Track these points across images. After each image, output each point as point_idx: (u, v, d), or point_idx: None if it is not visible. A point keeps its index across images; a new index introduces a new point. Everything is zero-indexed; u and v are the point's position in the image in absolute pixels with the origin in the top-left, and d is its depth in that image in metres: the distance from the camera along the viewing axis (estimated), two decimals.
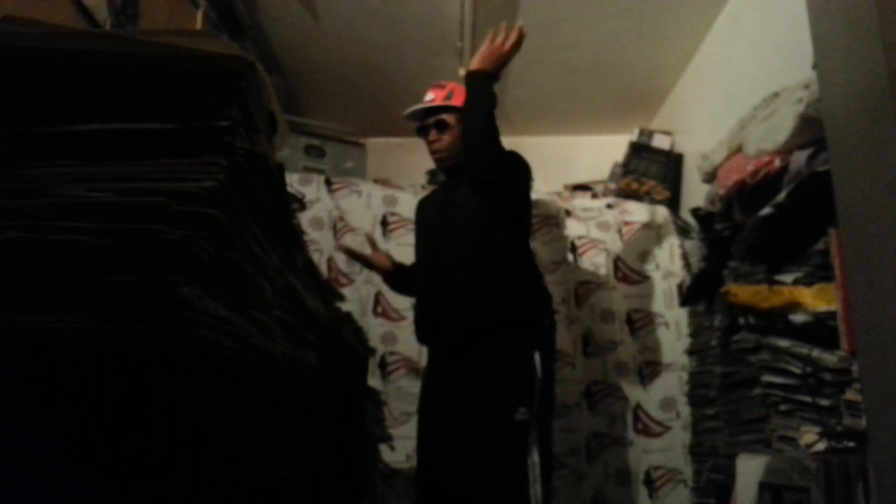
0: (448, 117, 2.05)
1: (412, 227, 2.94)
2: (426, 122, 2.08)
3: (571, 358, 2.78)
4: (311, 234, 2.82)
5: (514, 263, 1.96)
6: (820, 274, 1.65)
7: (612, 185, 3.47)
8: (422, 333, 2.08)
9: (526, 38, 1.98)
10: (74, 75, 0.76)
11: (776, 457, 1.53)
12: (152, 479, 0.67)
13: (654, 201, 3.22)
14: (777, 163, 1.82)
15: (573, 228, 2.93)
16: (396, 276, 2.24)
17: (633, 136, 3.53)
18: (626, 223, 3.00)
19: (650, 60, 3.39)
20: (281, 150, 1.23)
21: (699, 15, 2.99)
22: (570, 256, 2.93)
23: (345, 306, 2.17)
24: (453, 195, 2.06)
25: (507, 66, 2.01)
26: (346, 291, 2.70)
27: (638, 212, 3.05)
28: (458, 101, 2.04)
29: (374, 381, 2.63)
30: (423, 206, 2.24)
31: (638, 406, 2.74)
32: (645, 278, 2.91)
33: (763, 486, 1.51)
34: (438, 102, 2.07)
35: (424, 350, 2.30)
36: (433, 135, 2.07)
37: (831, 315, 1.55)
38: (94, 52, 0.77)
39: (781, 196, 1.72)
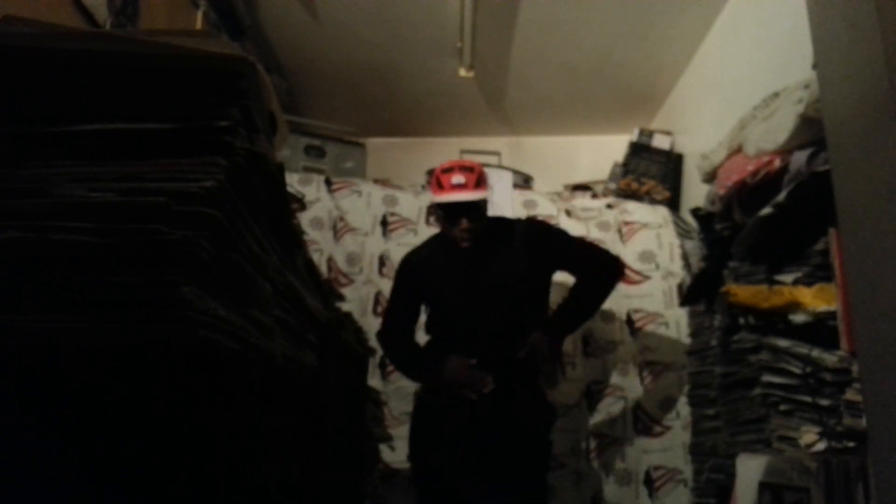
0: (483, 205, 2.12)
1: (412, 226, 2.95)
2: (462, 211, 2.09)
3: (571, 358, 2.78)
4: (311, 234, 2.82)
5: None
6: (820, 274, 1.65)
7: (612, 185, 3.47)
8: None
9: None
10: (74, 75, 0.76)
11: (776, 457, 1.53)
12: (153, 479, 0.67)
13: (654, 201, 3.22)
14: (777, 163, 1.82)
15: (573, 228, 2.92)
16: None
17: (633, 136, 3.53)
18: (626, 223, 3.00)
19: (650, 60, 3.39)
20: (281, 150, 1.23)
21: (699, 15, 2.99)
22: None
23: (345, 306, 2.17)
24: (482, 264, 2.15)
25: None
26: (346, 291, 2.70)
27: (638, 212, 3.05)
28: (483, 182, 2.13)
29: (374, 381, 2.63)
30: (427, 269, 2.22)
31: (638, 406, 2.74)
32: (645, 278, 2.91)
33: (763, 486, 1.51)
34: (471, 192, 2.08)
35: None
36: (466, 224, 2.09)
37: (831, 315, 1.55)
38: (94, 52, 0.77)
39: (781, 196, 1.72)
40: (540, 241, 2.20)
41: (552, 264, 2.22)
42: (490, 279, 2.13)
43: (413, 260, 2.28)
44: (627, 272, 2.91)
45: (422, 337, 2.32)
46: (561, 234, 2.31)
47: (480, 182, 2.12)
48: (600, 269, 2.21)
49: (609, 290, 2.23)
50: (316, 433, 1.31)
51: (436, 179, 2.14)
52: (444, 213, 2.13)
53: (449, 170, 2.13)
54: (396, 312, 2.29)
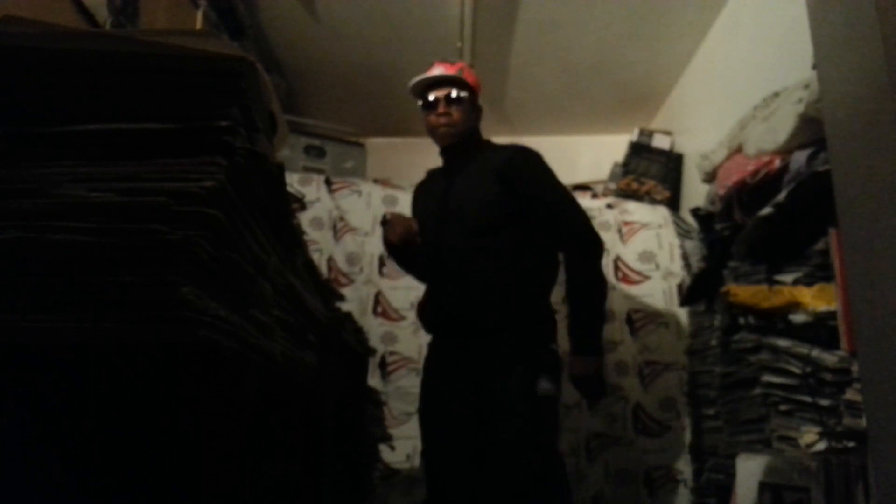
0: (460, 92, 2.01)
1: None
2: (436, 95, 2.00)
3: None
4: (311, 234, 2.83)
5: (525, 258, 1.89)
6: (820, 274, 1.65)
7: (612, 185, 3.47)
8: (431, 327, 2.04)
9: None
10: (74, 75, 0.76)
11: (776, 457, 1.53)
12: (152, 480, 0.67)
13: (654, 201, 3.22)
14: (777, 163, 1.82)
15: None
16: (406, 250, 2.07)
17: (633, 136, 3.53)
18: (626, 223, 3.00)
19: (650, 60, 3.39)
20: (281, 150, 1.23)
21: (699, 15, 2.99)
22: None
23: (345, 306, 2.17)
24: (455, 181, 2.00)
25: None
26: (346, 291, 2.70)
27: (638, 212, 3.05)
28: (469, 78, 2.04)
29: (374, 381, 2.63)
30: (420, 194, 2.19)
31: (638, 406, 2.74)
32: (645, 278, 2.91)
33: (763, 486, 1.51)
34: (451, 72, 2.01)
35: (424, 350, 2.30)
36: (443, 107, 1.98)
37: (831, 315, 1.55)
38: (94, 52, 0.77)
39: (781, 196, 1.72)
40: (514, 170, 1.91)
41: (519, 204, 1.88)
42: (453, 200, 1.96)
43: (418, 184, 2.24)
44: (627, 272, 2.92)
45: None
46: (541, 175, 1.96)
47: (462, 72, 2.03)
48: (574, 245, 1.91)
49: (592, 270, 1.91)
50: (316, 433, 1.31)
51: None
52: (421, 99, 2.03)
53: (429, 66, 2.08)
54: None
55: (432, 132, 2.05)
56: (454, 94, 2.00)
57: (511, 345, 1.82)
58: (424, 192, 2.16)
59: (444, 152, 2.09)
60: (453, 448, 1.85)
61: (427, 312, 2.04)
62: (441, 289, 1.97)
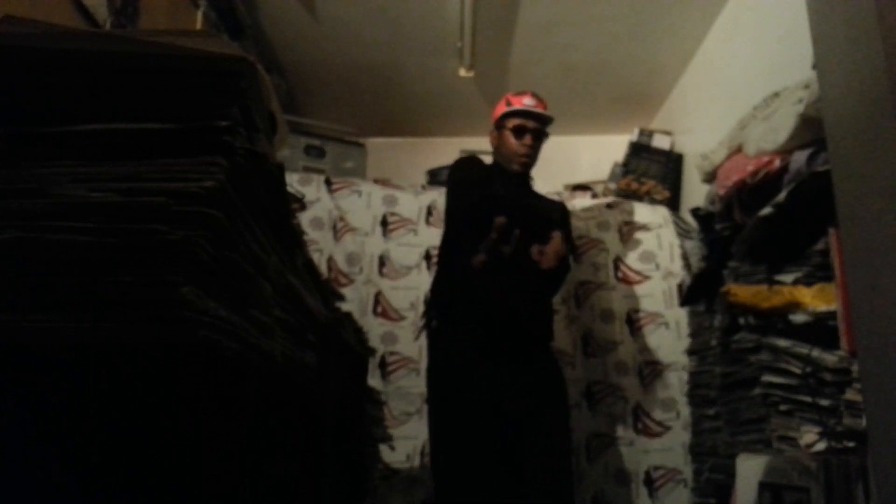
0: (545, 136, 2.21)
1: (412, 226, 2.95)
2: (530, 126, 2.15)
3: (571, 358, 2.78)
4: (311, 234, 2.83)
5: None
6: (820, 274, 1.65)
7: (612, 185, 3.47)
8: (488, 324, 1.98)
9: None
10: (74, 75, 0.76)
11: (776, 457, 1.53)
12: (152, 480, 0.67)
13: (654, 201, 3.22)
14: (777, 163, 1.82)
15: (573, 228, 2.92)
16: None
17: (633, 136, 3.53)
18: (626, 223, 3.00)
19: (650, 61, 3.39)
20: (281, 150, 1.23)
21: (699, 15, 2.99)
22: (570, 256, 2.93)
23: (345, 306, 2.16)
24: (530, 202, 2.18)
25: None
26: (346, 291, 2.70)
27: (638, 212, 3.05)
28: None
29: (374, 381, 2.63)
30: (492, 179, 2.15)
31: (638, 406, 2.74)
32: (645, 278, 2.91)
33: (763, 486, 1.51)
34: (544, 111, 2.18)
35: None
36: (531, 140, 2.15)
37: (831, 315, 1.55)
38: (94, 52, 0.77)
39: (781, 196, 1.72)
40: (566, 221, 2.27)
41: None
42: (540, 217, 2.11)
43: (480, 163, 2.26)
44: (627, 272, 2.92)
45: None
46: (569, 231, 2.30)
47: (547, 111, 2.22)
48: None
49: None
50: (316, 433, 1.31)
51: (505, 100, 2.22)
52: (514, 124, 2.15)
53: (522, 93, 2.22)
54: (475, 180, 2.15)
55: (508, 156, 2.16)
56: (544, 132, 2.19)
57: (553, 359, 2.11)
58: (499, 183, 2.15)
59: (514, 173, 2.19)
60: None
61: (481, 308, 1.99)
62: (515, 293, 2.00)
